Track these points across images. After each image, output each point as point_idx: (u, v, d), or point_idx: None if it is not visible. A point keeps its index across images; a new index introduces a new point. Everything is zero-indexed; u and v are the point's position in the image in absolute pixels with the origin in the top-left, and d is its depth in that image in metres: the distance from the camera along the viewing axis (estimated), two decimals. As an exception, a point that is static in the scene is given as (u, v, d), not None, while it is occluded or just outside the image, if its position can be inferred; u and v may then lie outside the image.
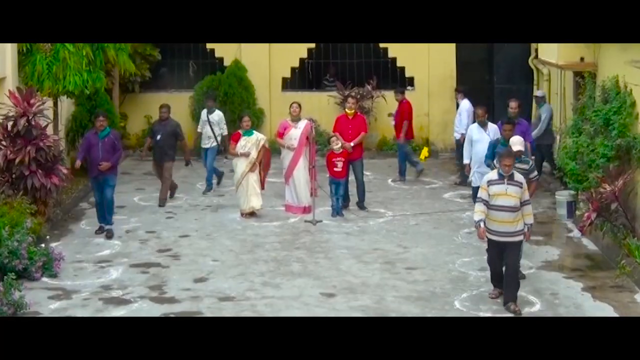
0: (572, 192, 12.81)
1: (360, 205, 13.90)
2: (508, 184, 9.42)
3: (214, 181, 15.25)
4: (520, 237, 9.47)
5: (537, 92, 16.21)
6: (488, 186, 9.48)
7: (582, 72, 13.67)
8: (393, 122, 16.05)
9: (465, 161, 12.27)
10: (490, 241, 9.56)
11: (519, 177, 9.51)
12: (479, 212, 9.51)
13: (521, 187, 9.43)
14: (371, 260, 11.40)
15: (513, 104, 13.56)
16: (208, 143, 15.19)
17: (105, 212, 12.43)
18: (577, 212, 12.56)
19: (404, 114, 15.82)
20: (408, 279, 10.64)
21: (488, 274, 10.61)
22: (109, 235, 12.26)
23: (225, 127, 15.29)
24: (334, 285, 10.43)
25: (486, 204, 9.46)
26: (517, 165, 9.95)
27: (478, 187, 11.24)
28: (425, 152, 17.80)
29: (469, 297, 9.94)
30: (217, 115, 15.29)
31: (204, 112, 15.41)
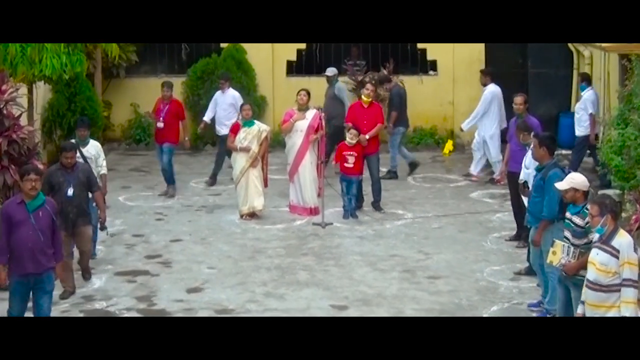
0: (618, 191, 12.80)
1: (376, 205, 13.93)
2: (600, 247, 7.70)
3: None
4: None
5: (327, 71, 16.36)
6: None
7: (629, 54, 13.65)
8: (161, 125, 14.71)
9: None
10: None
11: (619, 240, 7.61)
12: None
13: (617, 257, 7.54)
14: (388, 268, 11.43)
15: (518, 99, 12.80)
16: None
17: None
18: (623, 214, 12.55)
19: (174, 114, 14.83)
20: (430, 290, 10.66)
21: (520, 284, 10.67)
22: None
23: (104, 163, 12.08)
24: (345, 297, 10.46)
25: None
26: (573, 218, 8.55)
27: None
28: (449, 145, 17.83)
29: (500, 311, 9.96)
30: (94, 147, 11.95)
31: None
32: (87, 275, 11.13)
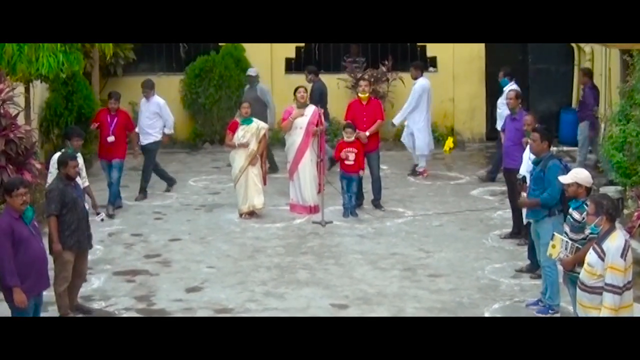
0: (619, 187, 12.83)
1: (376, 203, 13.95)
2: (593, 246, 7.73)
3: None
4: None
5: (250, 71, 16.35)
6: None
7: (631, 50, 13.68)
8: (113, 138, 13.89)
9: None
10: None
11: (608, 244, 7.55)
12: None
13: (602, 259, 7.52)
14: (388, 266, 11.46)
15: (510, 94, 12.63)
16: None
17: None
18: (625, 211, 12.58)
19: (124, 126, 14.09)
20: (431, 288, 10.70)
21: (522, 281, 10.70)
22: None
23: (85, 174, 11.85)
24: (346, 296, 10.49)
25: None
26: (572, 213, 8.65)
27: None
28: (450, 142, 17.83)
29: (501, 309, 9.98)
30: (80, 158, 11.40)
31: (58, 157, 10.80)
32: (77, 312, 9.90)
